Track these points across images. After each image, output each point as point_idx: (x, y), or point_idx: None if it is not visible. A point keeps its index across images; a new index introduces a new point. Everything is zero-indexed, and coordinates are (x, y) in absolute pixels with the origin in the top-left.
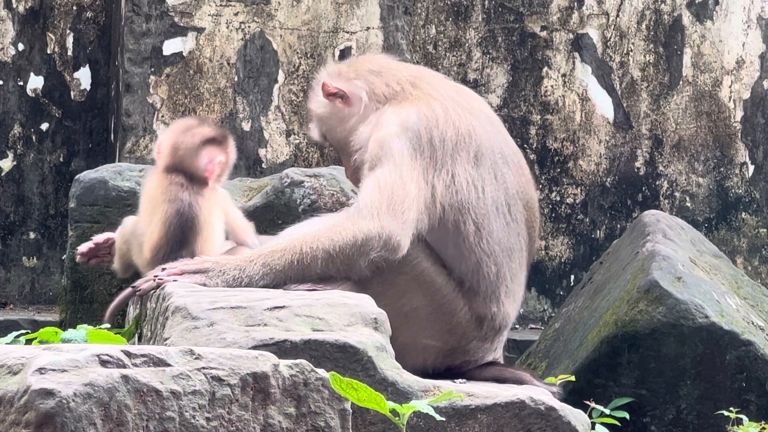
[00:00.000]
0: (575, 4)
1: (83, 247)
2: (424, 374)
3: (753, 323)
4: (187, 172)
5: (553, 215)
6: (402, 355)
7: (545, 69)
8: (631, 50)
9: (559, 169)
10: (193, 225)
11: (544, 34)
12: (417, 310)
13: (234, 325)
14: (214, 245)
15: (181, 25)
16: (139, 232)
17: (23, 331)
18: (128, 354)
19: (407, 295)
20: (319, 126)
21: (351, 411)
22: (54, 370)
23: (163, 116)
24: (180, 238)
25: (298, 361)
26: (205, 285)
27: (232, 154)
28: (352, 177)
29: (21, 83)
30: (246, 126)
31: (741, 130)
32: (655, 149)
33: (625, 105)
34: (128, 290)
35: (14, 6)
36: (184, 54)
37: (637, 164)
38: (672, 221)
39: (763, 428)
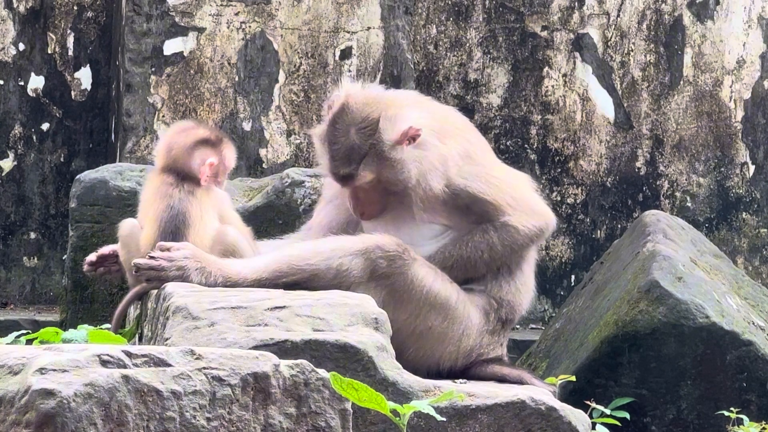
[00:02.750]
0: (576, 3)
1: (90, 257)
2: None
3: (753, 323)
4: (181, 173)
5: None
6: (418, 368)
7: (546, 69)
8: (632, 50)
9: (559, 169)
10: (184, 219)
11: (544, 33)
12: (431, 329)
13: (234, 325)
14: (206, 241)
15: (182, 24)
16: (136, 232)
17: (24, 331)
18: (129, 354)
19: (420, 316)
20: (379, 169)
21: (351, 411)
22: (55, 370)
23: (163, 116)
24: (172, 230)
25: (298, 361)
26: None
27: (228, 156)
28: (377, 213)
29: (22, 83)
30: (247, 126)
31: (741, 130)
32: (655, 149)
33: (625, 105)
34: (134, 290)
35: (15, 6)
36: (185, 54)
37: (638, 164)
38: (672, 221)
39: (764, 428)
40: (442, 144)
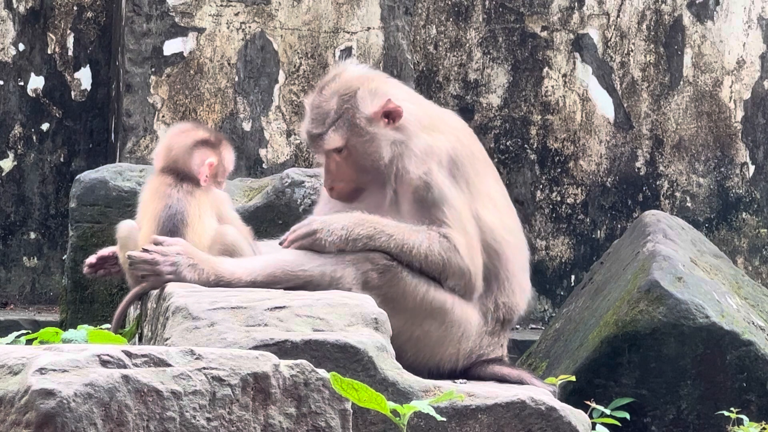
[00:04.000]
0: (576, 4)
1: (90, 259)
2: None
3: (753, 323)
4: (180, 173)
5: (554, 215)
6: (418, 371)
7: (546, 69)
8: (632, 50)
9: (559, 169)
10: (182, 218)
11: (544, 34)
12: (429, 334)
13: (234, 326)
14: (204, 241)
15: (182, 25)
16: (135, 233)
17: (24, 332)
18: (129, 354)
19: (416, 323)
20: (349, 137)
21: (351, 411)
22: (54, 370)
23: (163, 116)
24: (170, 229)
25: (298, 361)
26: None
27: (227, 158)
28: (349, 194)
29: (21, 83)
30: (246, 126)
31: (741, 130)
32: (655, 149)
33: (625, 105)
34: (133, 291)
35: (15, 6)
36: (185, 54)
37: (638, 164)
38: (672, 221)
39: (764, 428)
40: (429, 136)
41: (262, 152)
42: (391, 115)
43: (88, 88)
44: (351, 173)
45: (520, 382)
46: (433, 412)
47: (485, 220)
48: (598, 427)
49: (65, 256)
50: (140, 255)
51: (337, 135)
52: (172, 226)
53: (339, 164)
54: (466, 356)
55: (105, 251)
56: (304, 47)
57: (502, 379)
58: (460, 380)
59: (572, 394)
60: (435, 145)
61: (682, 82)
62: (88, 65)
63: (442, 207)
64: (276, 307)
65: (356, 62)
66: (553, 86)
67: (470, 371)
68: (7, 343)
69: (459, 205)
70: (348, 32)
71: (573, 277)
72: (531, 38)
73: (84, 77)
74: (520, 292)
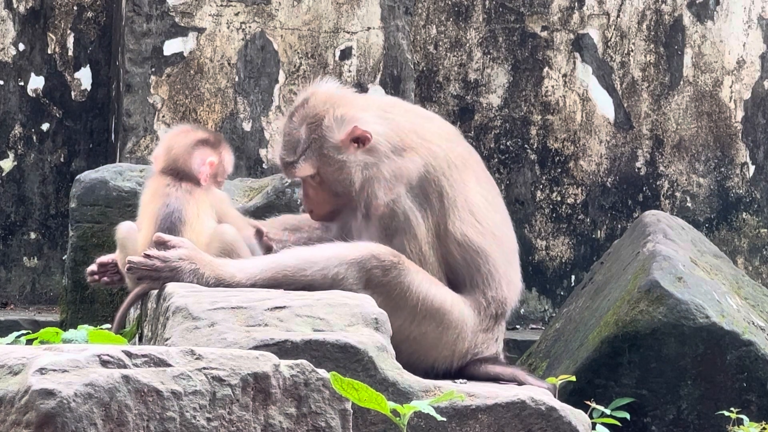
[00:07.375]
0: (576, 4)
1: (92, 267)
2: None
3: (754, 323)
4: (180, 173)
5: (554, 215)
6: (412, 371)
7: (546, 69)
8: (632, 50)
9: (559, 169)
10: (180, 216)
11: (544, 34)
12: (426, 335)
13: (235, 326)
14: (202, 239)
15: (182, 25)
16: (133, 234)
17: (24, 332)
18: (129, 354)
19: (415, 323)
20: (319, 165)
21: (352, 411)
22: (55, 370)
23: (163, 116)
24: (168, 227)
25: (298, 361)
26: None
27: (226, 159)
28: (326, 215)
29: (22, 83)
30: (247, 126)
31: (742, 130)
32: (655, 149)
33: (625, 105)
34: (134, 292)
35: (15, 6)
36: (185, 54)
37: (638, 164)
38: (673, 221)
39: (764, 428)
40: (400, 157)
41: (263, 152)
42: (359, 140)
43: (88, 88)
44: (326, 197)
45: (514, 380)
46: (433, 412)
47: (457, 233)
48: (598, 427)
49: (65, 256)
50: (141, 261)
51: (307, 164)
52: (170, 225)
53: (315, 189)
54: (461, 357)
55: (104, 258)
56: (304, 47)
57: (495, 378)
58: (460, 380)
59: (572, 394)
60: (404, 166)
61: (682, 82)
62: (88, 65)
63: (403, 238)
64: (276, 307)
65: (329, 80)
66: (553, 86)
67: (465, 370)
68: (7, 343)
69: (421, 234)
70: (348, 32)
71: (573, 277)
72: (531, 38)
73: (84, 77)
74: (507, 284)
